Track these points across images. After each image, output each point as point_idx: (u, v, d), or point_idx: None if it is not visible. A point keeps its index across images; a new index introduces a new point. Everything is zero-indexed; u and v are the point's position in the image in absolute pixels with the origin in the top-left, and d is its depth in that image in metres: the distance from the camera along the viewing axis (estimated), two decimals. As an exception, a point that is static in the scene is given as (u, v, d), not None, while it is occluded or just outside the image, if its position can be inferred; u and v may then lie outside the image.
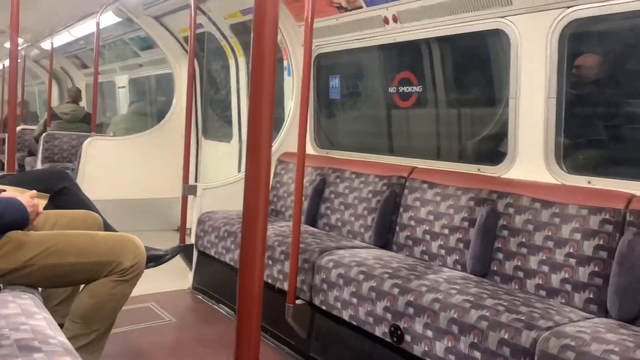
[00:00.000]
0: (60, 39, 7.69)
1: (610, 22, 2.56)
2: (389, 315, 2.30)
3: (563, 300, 2.25)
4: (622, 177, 2.41)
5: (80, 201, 2.77)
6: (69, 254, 1.95)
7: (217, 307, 3.51)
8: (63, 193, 2.74)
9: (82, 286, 2.12)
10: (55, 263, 1.93)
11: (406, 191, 3.07)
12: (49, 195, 2.55)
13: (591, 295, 2.18)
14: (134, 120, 6.61)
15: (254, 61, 1.12)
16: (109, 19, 5.85)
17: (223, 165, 5.42)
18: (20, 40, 8.14)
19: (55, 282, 2.06)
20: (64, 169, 4.35)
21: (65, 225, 2.30)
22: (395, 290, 2.31)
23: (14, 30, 2.97)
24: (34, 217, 2.05)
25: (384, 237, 3.10)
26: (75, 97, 7.07)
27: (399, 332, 2.25)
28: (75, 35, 7.27)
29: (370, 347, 2.47)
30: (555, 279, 2.29)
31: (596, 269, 2.18)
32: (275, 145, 4.11)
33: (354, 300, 2.48)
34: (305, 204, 3.56)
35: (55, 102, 9.65)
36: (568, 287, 2.24)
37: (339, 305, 2.56)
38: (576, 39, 2.60)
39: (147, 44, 6.66)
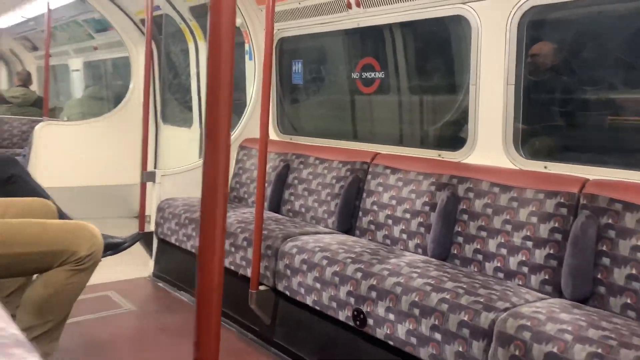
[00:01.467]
0: (8, 20, 7.32)
1: (569, 10, 2.61)
2: (352, 300, 2.32)
3: (520, 282, 2.31)
4: (577, 162, 2.48)
5: (30, 189, 2.66)
6: (15, 243, 1.86)
7: (178, 295, 3.46)
8: (12, 181, 2.62)
9: (35, 275, 2.04)
10: (4, 253, 1.84)
11: (369, 177, 3.08)
12: (-3, 182, 2.43)
13: (546, 277, 2.25)
14: (90, 105, 6.38)
15: (210, 44, 1.08)
16: (60, -2, 5.59)
17: (183, 151, 5.31)
18: (-36, 20, 7.71)
19: (5, 273, 1.97)
20: (13, 155, 4.16)
21: (14, 214, 2.19)
22: (358, 275, 2.33)
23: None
24: (-19, 205, 1.95)
25: (347, 222, 3.11)
26: (25, 80, 6.77)
27: (361, 316, 2.27)
28: (24, 15, 6.92)
29: (334, 331, 2.48)
30: (512, 262, 2.35)
31: (551, 251, 2.25)
32: (237, 131, 4.05)
33: (318, 285, 2.48)
34: (269, 191, 3.53)
35: (3, 85, 9.22)
36: (525, 269, 2.31)
37: (302, 290, 2.56)
38: (535, 26, 2.65)
39: (102, 26, 6.41)
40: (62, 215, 2.51)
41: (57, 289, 1.96)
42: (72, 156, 5.10)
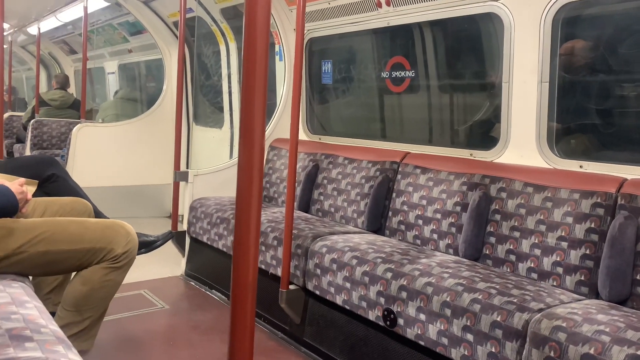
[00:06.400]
0: (48, 24, 7.57)
1: (603, 6, 2.55)
2: (382, 300, 2.31)
3: (554, 283, 2.27)
4: (614, 161, 2.42)
5: (69, 188, 2.74)
6: (59, 241, 1.93)
7: (210, 293, 3.52)
8: (52, 180, 2.71)
9: (73, 274, 2.10)
10: (46, 250, 1.91)
11: (399, 176, 3.07)
12: (37, 182, 2.52)
13: (582, 278, 2.20)
14: (123, 106, 6.54)
15: (245, 46, 1.09)
16: (96, 3, 5.75)
17: (215, 151, 5.39)
18: (6, 26, 8.00)
19: (46, 270, 2.04)
20: (53, 156, 4.30)
21: (54, 212, 2.27)
22: (388, 275, 2.32)
23: (-1, 14, 2.92)
24: (23, 204, 2.03)
25: (377, 222, 3.10)
26: (63, 83, 6.98)
27: (392, 315, 2.26)
28: (62, 20, 7.15)
29: (364, 331, 2.48)
30: (547, 262, 2.30)
31: (587, 251, 2.20)
32: (267, 132, 4.09)
33: (347, 284, 2.48)
34: (298, 190, 3.56)
35: (43, 88, 9.54)
36: (559, 269, 2.26)
37: (332, 290, 2.57)
38: (569, 23, 2.59)
39: (137, 29, 6.57)
40: (97, 214, 2.58)
41: (95, 286, 2.02)
42: (108, 157, 5.24)
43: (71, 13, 6.60)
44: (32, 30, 8.05)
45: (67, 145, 5.31)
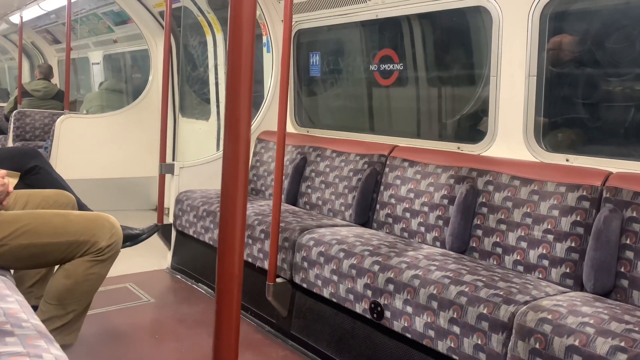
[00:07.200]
0: (30, 13, 7.42)
1: (590, 1, 2.55)
2: (369, 292, 2.31)
3: (540, 275, 2.28)
4: (600, 155, 2.43)
5: (52, 180, 2.70)
6: (41, 233, 1.90)
7: (196, 287, 3.49)
8: (34, 172, 2.66)
9: (56, 267, 2.07)
10: (28, 243, 1.88)
11: (387, 169, 3.06)
12: (19, 174, 2.48)
13: (567, 270, 2.22)
14: (108, 98, 6.45)
15: (231, 37, 1.07)
16: (80, -9, 5.65)
17: (201, 143, 5.34)
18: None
19: (28, 263, 2.01)
20: (36, 147, 4.23)
21: (36, 204, 2.23)
22: (376, 268, 2.32)
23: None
24: (4, 196, 1.99)
25: (365, 215, 3.10)
26: (47, 74, 6.85)
27: (379, 308, 2.26)
28: (45, 8, 7.01)
29: (351, 323, 2.48)
30: (533, 255, 2.32)
31: (573, 244, 2.22)
32: (254, 124, 4.06)
33: (335, 277, 2.48)
34: (286, 183, 3.54)
35: (26, 78, 9.37)
36: (545, 262, 2.28)
37: (319, 283, 2.56)
38: (557, 17, 2.59)
39: (122, 19, 6.46)
40: (81, 207, 2.55)
41: (79, 280, 1.99)
42: (92, 149, 5.17)
43: (54, 1, 6.48)
44: (14, 19, 7.89)
45: (50, 136, 5.22)
